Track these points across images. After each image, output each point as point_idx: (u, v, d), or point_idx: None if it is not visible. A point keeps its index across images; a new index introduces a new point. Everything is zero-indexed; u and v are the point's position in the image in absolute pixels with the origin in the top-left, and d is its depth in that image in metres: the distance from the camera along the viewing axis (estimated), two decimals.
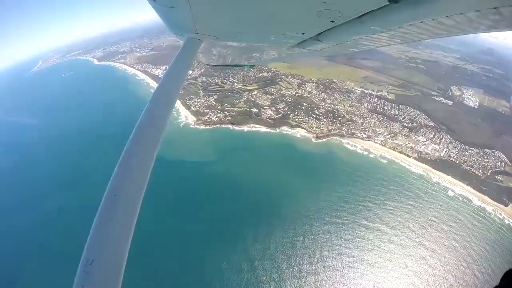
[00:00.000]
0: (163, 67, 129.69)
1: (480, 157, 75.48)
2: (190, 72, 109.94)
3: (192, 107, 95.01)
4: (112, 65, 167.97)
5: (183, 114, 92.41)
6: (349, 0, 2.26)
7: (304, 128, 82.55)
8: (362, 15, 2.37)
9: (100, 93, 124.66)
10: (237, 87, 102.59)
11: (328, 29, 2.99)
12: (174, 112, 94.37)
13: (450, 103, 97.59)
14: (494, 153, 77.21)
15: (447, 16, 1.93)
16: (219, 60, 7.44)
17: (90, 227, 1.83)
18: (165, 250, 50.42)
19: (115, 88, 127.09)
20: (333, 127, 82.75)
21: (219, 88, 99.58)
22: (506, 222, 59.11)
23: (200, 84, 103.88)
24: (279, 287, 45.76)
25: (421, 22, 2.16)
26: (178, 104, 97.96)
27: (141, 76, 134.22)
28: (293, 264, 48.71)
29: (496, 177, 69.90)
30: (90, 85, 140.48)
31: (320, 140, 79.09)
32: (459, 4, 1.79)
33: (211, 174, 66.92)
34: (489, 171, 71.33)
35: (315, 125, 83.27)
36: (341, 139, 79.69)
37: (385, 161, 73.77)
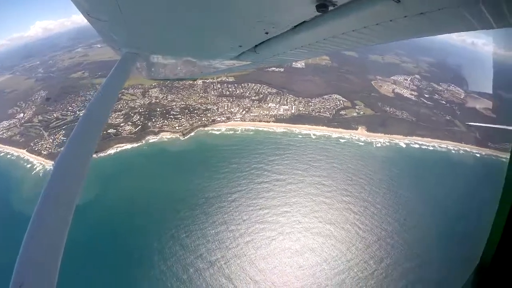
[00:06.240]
0: None
1: (322, 104, 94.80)
2: (21, 115, 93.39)
3: (43, 151, 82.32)
4: None
5: (36, 162, 79.15)
6: (279, 13, 2.29)
7: (167, 131, 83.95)
8: (295, 26, 2.40)
9: None
10: (80, 114, 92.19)
11: (264, 41, 3.02)
12: (25, 163, 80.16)
13: (282, 69, 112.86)
14: (331, 96, 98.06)
15: (377, 24, 1.98)
16: (160, 74, 7.43)
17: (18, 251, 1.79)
18: None
19: None
20: (194, 121, 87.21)
21: (62, 122, 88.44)
22: (362, 139, 79.72)
23: (39, 124, 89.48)
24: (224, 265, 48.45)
25: (353, 30, 2.24)
26: (25, 154, 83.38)
27: None
28: (231, 237, 52.56)
29: (340, 113, 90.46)
30: None
31: (187, 136, 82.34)
32: (389, 12, 1.78)
33: (99, 211, 57.17)
34: (334, 111, 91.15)
35: (177, 125, 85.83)
36: (205, 129, 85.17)
37: (251, 132, 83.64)
